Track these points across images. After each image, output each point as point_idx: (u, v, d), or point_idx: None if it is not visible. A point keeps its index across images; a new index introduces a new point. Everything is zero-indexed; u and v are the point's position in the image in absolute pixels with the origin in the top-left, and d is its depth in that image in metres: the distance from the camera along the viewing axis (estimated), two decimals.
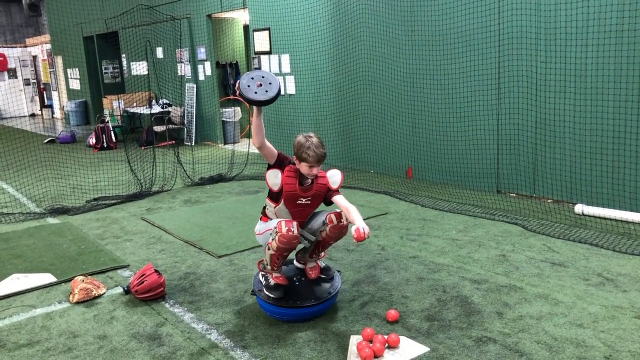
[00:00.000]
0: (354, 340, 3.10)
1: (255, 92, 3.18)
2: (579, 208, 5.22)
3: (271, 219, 3.41)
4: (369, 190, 6.56)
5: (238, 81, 3.24)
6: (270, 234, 3.27)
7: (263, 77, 3.25)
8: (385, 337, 3.04)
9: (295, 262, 3.66)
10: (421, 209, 5.72)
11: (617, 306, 3.40)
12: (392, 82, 7.01)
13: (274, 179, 3.24)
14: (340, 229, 3.29)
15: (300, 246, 3.53)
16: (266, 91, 3.19)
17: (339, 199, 3.30)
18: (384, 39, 6.99)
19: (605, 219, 5.02)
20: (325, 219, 3.30)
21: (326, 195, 3.34)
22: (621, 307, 3.38)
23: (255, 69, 9.25)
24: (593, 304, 3.44)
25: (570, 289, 3.66)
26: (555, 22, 5.34)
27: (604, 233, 4.70)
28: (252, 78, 3.23)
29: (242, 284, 3.99)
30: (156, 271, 3.79)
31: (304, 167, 3.22)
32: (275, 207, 3.33)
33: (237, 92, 3.20)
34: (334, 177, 3.34)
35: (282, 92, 8.67)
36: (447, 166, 6.61)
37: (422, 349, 3.01)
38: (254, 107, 3.23)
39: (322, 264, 3.60)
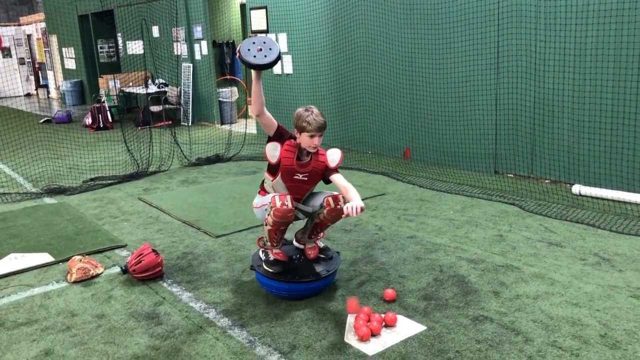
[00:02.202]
0: (351, 318, 3.11)
1: (254, 56, 3.21)
2: (577, 188, 5.23)
3: (269, 193, 3.41)
4: (366, 171, 6.55)
5: (239, 45, 3.27)
6: (266, 209, 3.29)
7: (264, 42, 3.28)
8: (382, 315, 3.06)
9: (294, 242, 3.68)
10: (419, 189, 5.72)
11: (613, 285, 3.42)
12: (391, 62, 6.96)
13: (273, 151, 3.25)
14: (338, 212, 3.29)
15: (300, 225, 3.54)
16: (265, 56, 3.22)
17: (337, 177, 3.31)
18: (382, 18, 6.92)
19: (602, 199, 5.03)
20: (323, 201, 3.31)
21: (324, 174, 3.35)
22: (617, 287, 3.40)
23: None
24: (589, 283, 3.46)
25: (567, 269, 3.68)
26: (555, 1, 5.29)
27: (600, 213, 4.71)
28: (254, 43, 3.26)
29: (240, 263, 4.00)
30: (154, 251, 3.79)
31: (304, 139, 3.21)
32: (272, 181, 3.34)
33: (237, 54, 3.24)
34: (333, 155, 3.34)
35: (280, 72, 8.61)
36: (445, 147, 6.60)
37: (418, 327, 3.03)
38: (253, 72, 3.24)
39: (321, 244, 3.62)
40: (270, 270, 3.36)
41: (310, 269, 3.43)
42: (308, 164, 3.29)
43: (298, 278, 3.33)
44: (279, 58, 3.27)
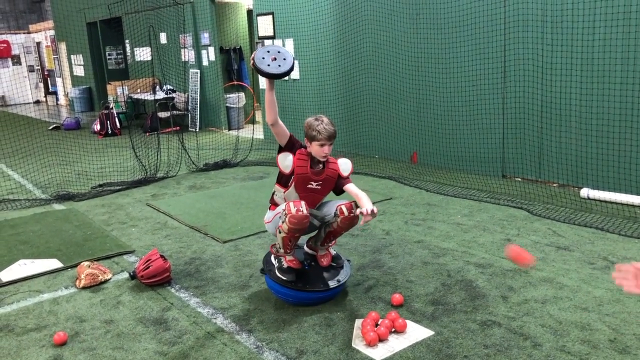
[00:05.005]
0: (359, 324, 3.11)
1: (268, 65, 3.23)
2: (585, 192, 5.20)
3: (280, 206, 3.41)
4: (373, 176, 6.55)
5: (254, 53, 3.29)
6: (280, 217, 3.26)
7: (279, 52, 3.31)
8: (391, 321, 3.05)
9: (305, 247, 3.64)
10: (426, 193, 5.71)
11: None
12: (397, 67, 6.97)
13: (285, 161, 3.26)
14: (351, 219, 3.29)
15: (312, 233, 3.54)
16: (279, 65, 3.25)
17: (351, 187, 3.32)
18: (388, 23, 6.93)
19: (610, 202, 5.00)
20: (336, 210, 3.30)
21: (337, 183, 3.35)
22: None
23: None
24: (598, 287, 3.44)
25: (575, 273, 3.66)
26: (562, 4, 5.28)
27: (609, 217, 4.68)
28: (268, 51, 3.28)
29: (248, 268, 4.00)
30: (162, 256, 3.81)
31: (315, 148, 3.22)
32: (284, 192, 3.32)
33: (252, 62, 3.26)
34: (345, 164, 3.37)
35: (287, 77, 8.63)
36: (452, 151, 6.59)
37: (426, 332, 3.02)
38: (266, 81, 3.27)
39: (333, 251, 3.59)
40: (284, 278, 3.34)
41: (321, 277, 3.41)
42: (322, 172, 3.30)
43: (309, 287, 3.32)
44: (292, 68, 3.29)
